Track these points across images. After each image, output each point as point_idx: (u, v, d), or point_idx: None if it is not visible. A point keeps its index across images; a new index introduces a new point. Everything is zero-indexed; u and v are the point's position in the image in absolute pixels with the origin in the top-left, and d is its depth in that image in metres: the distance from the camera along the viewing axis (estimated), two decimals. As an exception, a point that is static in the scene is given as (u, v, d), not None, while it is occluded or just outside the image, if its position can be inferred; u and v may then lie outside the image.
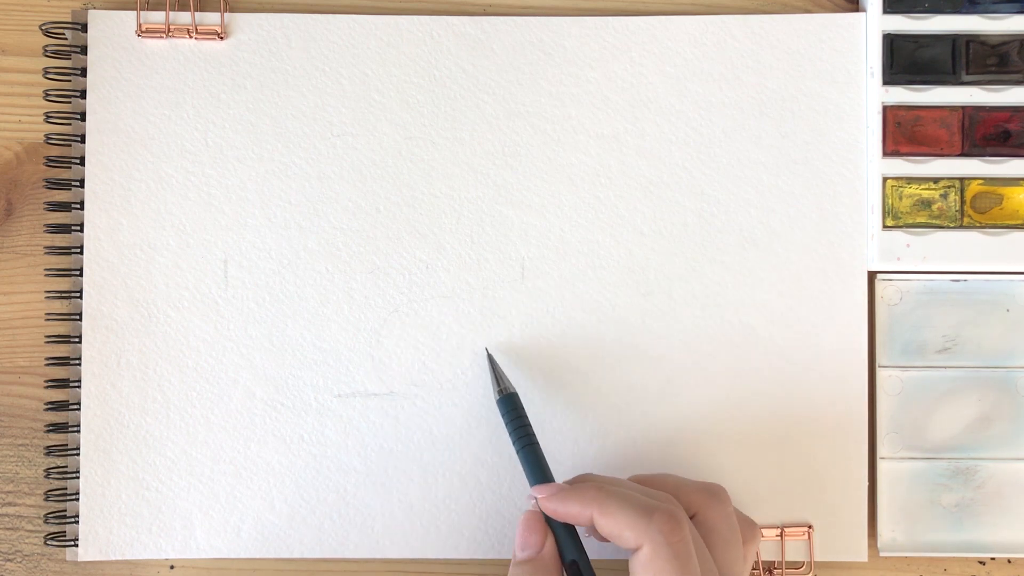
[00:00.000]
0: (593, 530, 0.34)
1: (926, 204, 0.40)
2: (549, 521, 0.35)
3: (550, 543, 0.35)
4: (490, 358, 0.39)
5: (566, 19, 0.41)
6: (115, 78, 0.40)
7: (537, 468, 0.36)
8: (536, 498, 0.35)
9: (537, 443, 0.36)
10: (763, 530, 0.40)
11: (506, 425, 0.37)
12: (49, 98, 0.40)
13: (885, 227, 0.40)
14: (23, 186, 0.41)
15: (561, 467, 0.40)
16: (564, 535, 0.35)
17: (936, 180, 0.40)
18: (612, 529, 0.33)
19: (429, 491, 0.40)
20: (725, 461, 0.40)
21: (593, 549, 0.36)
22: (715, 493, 0.36)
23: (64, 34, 0.41)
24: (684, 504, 0.35)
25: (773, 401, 0.40)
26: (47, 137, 0.40)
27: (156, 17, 0.40)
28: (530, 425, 0.37)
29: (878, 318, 0.40)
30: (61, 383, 0.40)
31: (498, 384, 0.38)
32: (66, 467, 0.40)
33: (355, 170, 0.40)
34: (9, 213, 0.41)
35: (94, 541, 0.39)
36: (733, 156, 0.40)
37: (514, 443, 0.36)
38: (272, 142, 0.40)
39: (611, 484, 0.34)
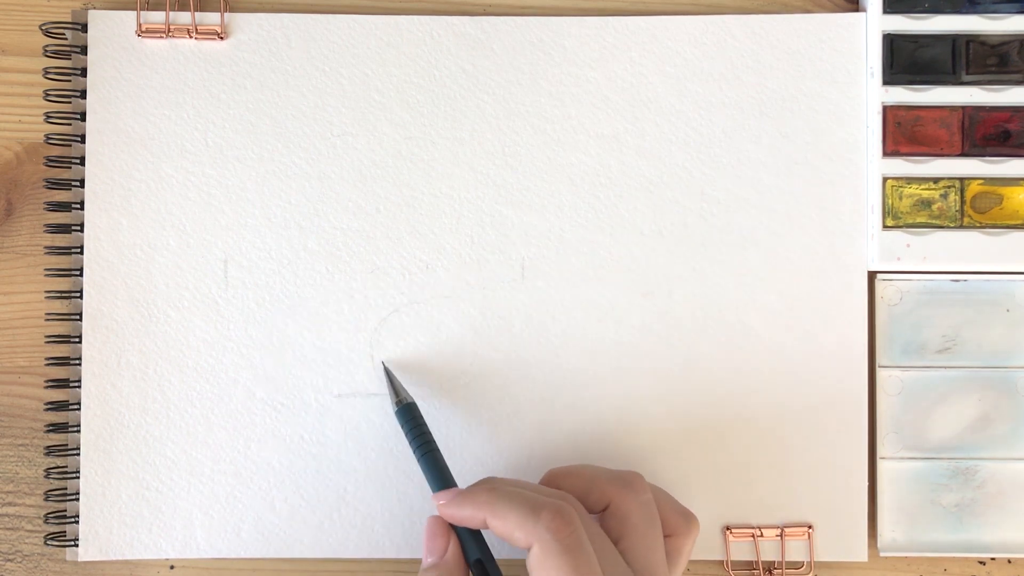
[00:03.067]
0: None
1: (926, 204, 0.40)
2: (455, 526, 0.35)
3: (454, 546, 0.35)
4: (386, 370, 0.39)
5: (566, 19, 0.41)
6: (115, 78, 0.40)
7: (437, 474, 0.36)
8: (437, 505, 0.35)
9: (437, 450, 0.37)
10: (763, 530, 0.40)
11: (406, 435, 0.37)
12: (49, 98, 0.40)
13: (885, 227, 0.40)
14: (23, 186, 0.41)
15: (560, 463, 0.39)
16: (467, 536, 0.35)
17: (936, 180, 0.40)
18: (503, 530, 0.33)
19: (429, 491, 0.40)
20: (725, 461, 0.40)
21: (507, 548, 0.37)
22: (628, 482, 0.35)
23: (64, 34, 0.41)
24: (597, 495, 0.35)
25: (773, 401, 0.40)
26: (47, 137, 0.40)
27: (156, 17, 0.40)
28: (429, 433, 0.37)
29: (878, 318, 0.40)
30: (61, 383, 0.40)
31: (396, 395, 0.38)
32: (66, 467, 0.40)
33: (355, 170, 0.40)
34: (9, 213, 0.41)
35: (94, 541, 0.39)
36: (733, 156, 0.40)
37: (414, 451, 0.37)
38: (272, 142, 0.40)
39: (507, 485, 0.34)
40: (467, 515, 0.34)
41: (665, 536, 0.36)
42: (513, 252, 0.40)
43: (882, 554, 0.40)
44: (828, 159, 0.40)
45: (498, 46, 0.41)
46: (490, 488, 0.34)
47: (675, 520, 0.36)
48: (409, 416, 0.37)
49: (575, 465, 0.37)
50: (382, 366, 0.40)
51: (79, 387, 0.40)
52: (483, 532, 0.35)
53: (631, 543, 0.34)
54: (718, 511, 0.40)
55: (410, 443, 0.37)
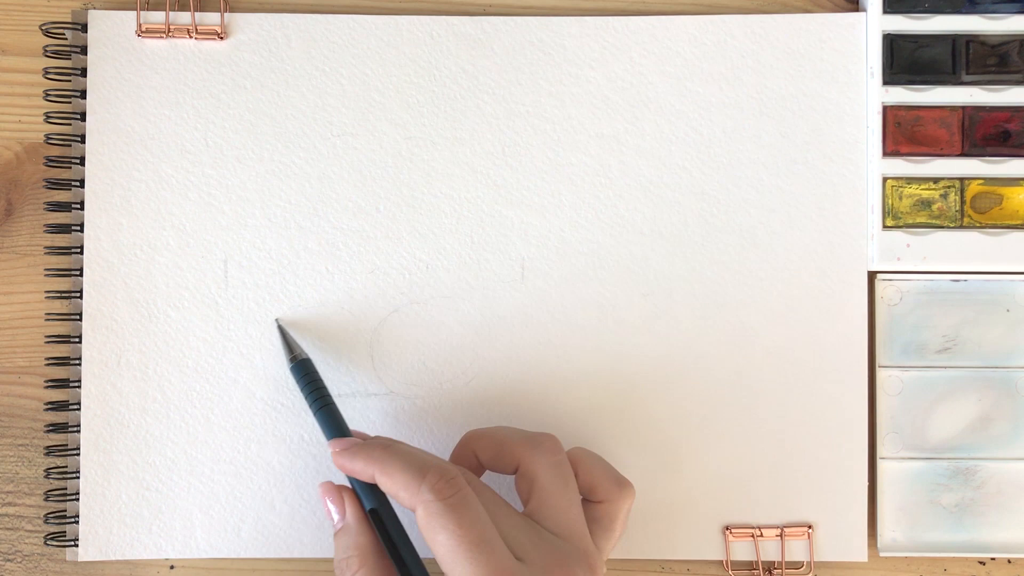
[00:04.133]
0: None
1: (926, 204, 0.40)
2: (350, 480, 0.35)
3: (350, 505, 0.35)
4: (280, 328, 0.39)
5: (566, 19, 0.41)
6: (115, 78, 0.40)
7: (333, 425, 0.36)
8: (331, 452, 0.35)
9: (333, 404, 0.37)
10: (763, 530, 0.40)
11: (301, 390, 0.37)
12: (49, 98, 0.40)
13: (885, 227, 0.40)
14: (23, 186, 0.41)
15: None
16: (362, 488, 0.35)
17: (936, 180, 0.40)
18: (390, 489, 0.33)
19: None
20: (725, 461, 0.40)
21: None
22: (538, 442, 0.35)
23: (64, 34, 0.41)
24: (508, 456, 0.35)
25: (773, 401, 0.40)
26: (47, 137, 0.40)
27: (156, 17, 0.40)
28: (325, 388, 0.37)
29: (878, 318, 0.40)
30: (61, 383, 0.40)
31: (291, 352, 0.38)
32: (66, 467, 0.40)
33: (355, 170, 0.40)
34: (9, 213, 0.41)
35: (94, 541, 0.39)
36: (733, 156, 0.40)
37: (310, 405, 0.37)
38: (272, 142, 0.40)
39: (402, 446, 0.34)
40: (358, 468, 0.34)
41: (597, 502, 0.36)
42: (513, 252, 0.40)
43: (882, 554, 0.40)
44: (828, 159, 0.40)
45: (498, 46, 0.41)
46: (384, 446, 0.34)
47: (607, 486, 0.36)
48: (304, 371, 0.37)
49: (489, 428, 0.37)
50: (276, 324, 0.39)
51: (79, 387, 0.40)
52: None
53: (539, 502, 0.34)
54: (718, 511, 0.40)
55: (305, 397, 0.37)
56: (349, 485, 0.35)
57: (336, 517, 0.35)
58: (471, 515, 0.31)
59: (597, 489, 0.36)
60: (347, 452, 0.34)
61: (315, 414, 0.37)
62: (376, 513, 0.35)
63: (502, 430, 0.37)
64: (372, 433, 0.40)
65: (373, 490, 0.35)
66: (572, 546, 0.33)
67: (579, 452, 0.37)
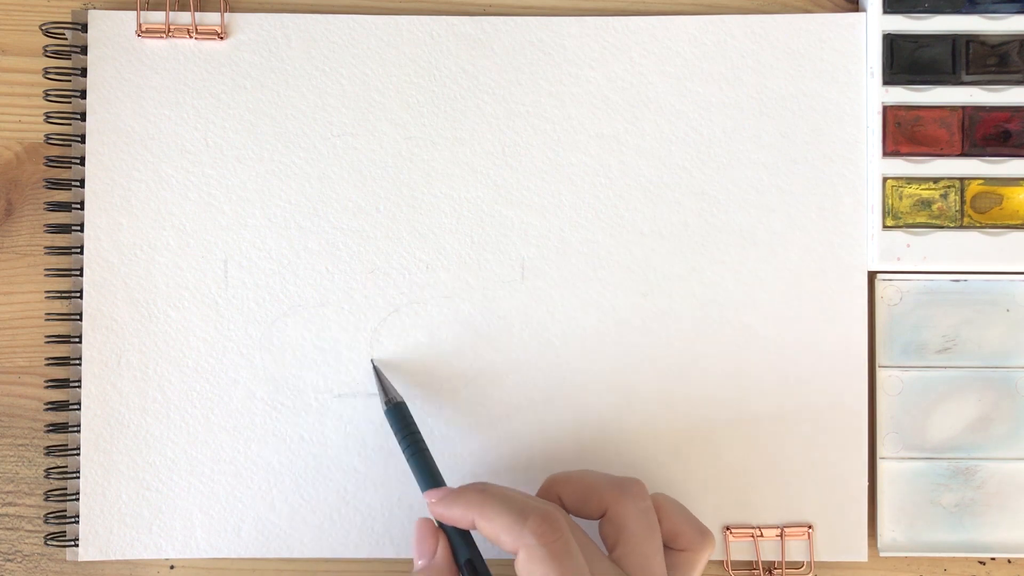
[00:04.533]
0: None
1: (926, 204, 0.40)
2: (443, 526, 0.35)
3: (443, 548, 0.35)
4: (376, 370, 0.39)
5: (566, 19, 0.41)
6: (115, 78, 0.40)
7: (427, 473, 0.36)
8: (427, 503, 0.35)
9: (427, 449, 0.37)
10: (763, 530, 0.40)
11: (395, 434, 0.37)
12: (49, 98, 0.40)
13: (885, 227, 0.40)
14: (23, 186, 0.41)
15: (559, 465, 0.40)
16: (456, 537, 0.35)
17: (936, 180, 0.40)
18: (490, 533, 0.33)
19: (429, 491, 0.40)
20: (725, 461, 0.40)
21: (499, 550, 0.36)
22: (626, 488, 0.35)
23: (64, 34, 0.41)
24: (596, 502, 0.35)
25: (773, 401, 0.40)
26: (47, 137, 0.40)
27: (156, 17, 0.40)
28: (419, 432, 0.37)
29: (878, 318, 0.40)
30: (61, 383, 0.40)
31: (385, 395, 0.38)
32: (66, 467, 0.40)
33: (355, 170, 0.40)
34: (9, 213, 0.41)
35: (94, 541, 0.39)
36: (733, 156, 0.40)
37: (404, 451, 0.37)
38: (272, 142, 0.40)
39: (498, 489, 0.34)
40: (457, 515, 0.34)
41: (680, 550, 0.36)
42: (513, 252, 0.40)
43: (882, 554, 0.40)
44: (828, 159, 0.40)
45: (498, 46, 0.41)
46: (481, 490, 0.34)
47: (690, 535, 0.36)
48: (398, 415, 0.37)
49: (575, 471, 0.37)
50: (371, 365, 0.39)
51: (79, 387, 0.40)
52: (473, 535, 0.35)
53: (627, 550, 0.34)
54: (718, 511, 0.40)
55: (399, 443, 0.37)
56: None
57: (424, 559, 0.35)
58: (571, 562, 0.31)
59: (680, 538, 0.36)
60: (444, 501, 0.34)
61: (409, 461, 0.36)
62: (471, 564, 0.35)
63: (589, 474, 0.36)
64: (372, 433, 0.40)
65: (468, 541, 0.35)
66: None
67: (662, 499, 0.37)
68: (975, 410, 0.40)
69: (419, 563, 0.35)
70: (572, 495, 0.36)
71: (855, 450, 0.40)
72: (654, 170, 0.40)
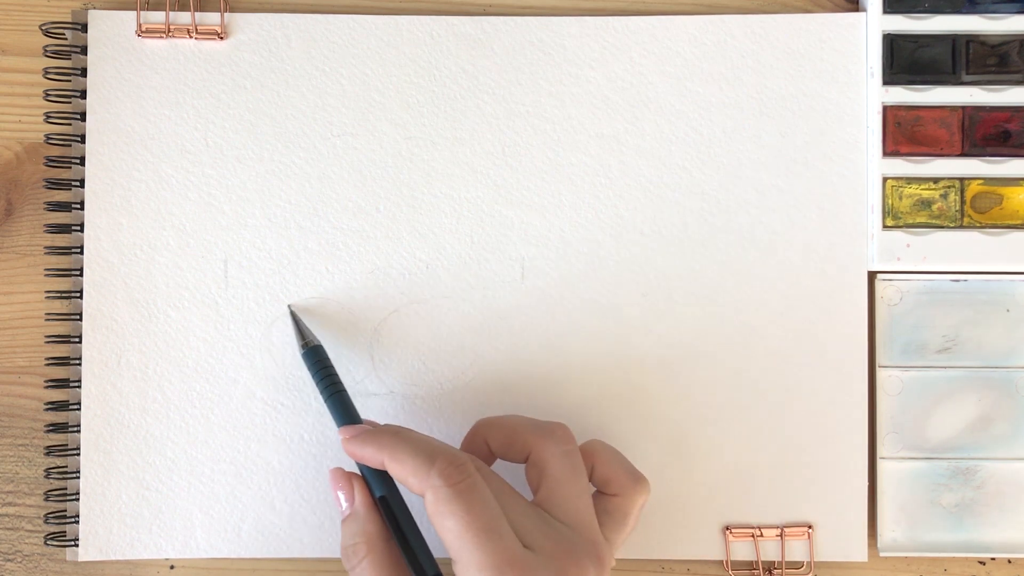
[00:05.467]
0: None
1: (926, 204, 0.40)
2: (360, 467, 0.35)
3: (360, 490, 0.35)
4: (293, 315, 0.39)
5: (566, 19, 0.41)
6: (115, 78, 0.40)
7: (344, 412, 0.36)
8: (341, 439, 0.35)
9: (344, 391, 0.37)
10: (763, 530, 0.40)
11: (312, 376, 0.37)
12: (49, 98, 0.40)
13: (885, 227, 0.40)
14: (23, 186, 0.41)
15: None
16: (371, 475, 0.35)
17: (936, 180, 0.40)
18: (399, 475, 0.33)
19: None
20: (725, 460, 0.40)
21: None
22: (549, 431, 0.35)
23: (64, 34, 0.41)
24: (519, 445, 0.35)
25: (773, 401, 0.40)
26: (47, 137, 0.40)
27: (156, 17, 0.40)
28: (336, 375, 0.37)
29: (878, 318, 0.40)
30: (61, 383, 0.40)
31: (303, 338, 0.38)
32: (66, 467, 0.40)
33: (355, 170, 0.40)
34: (9, 213, 0.41)
35: (94, 541, 0.39)
36: (733, 156, 0.40)
37: (321, 392, 0.37)
38: (272, 142, 0.40)
39: (411, 433, 0.34)
40: (368, 454, 0.34)
41: (611, 495, 0.36)
42: (513, 252, 0.40)
43: (882, 554, 0.40)
44: (828, 159, 0.40)
45: (498, 46, 0.41)
46: (394, 432, 0.34)
47: (623, 480, 0.36)
48: (316, 358, 0.38)
49: (502, 416, 0.37)
50: (288, 310, 0.39)
51: (79, 387, 0.40)
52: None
53: (548, 491, 0.34)
54: (718, 511, 0.40)
55: (316, 384, 0.37)
56: (359, 473, 0.36)
57: (344, 504, 0.35)
58: (480, 502, 0.31)
59: (612, 482, 0.36)
60: (357, 439, 0.34)
61: (326, 401, 0.37)
62: (385, 500, 0.35)
63: (513, 418, 0.37)
64: (372, 433, 0.40)
65: (383, 477, 0.35)
66: (580, 536, 0.33)
67: (596, 444, 0.37)
68: (975, 410, 0.40)
69: (343, 514, 0.35)
70: (497, 439, 0.36)
71: (855, 450, 0.40)
72: (654, 170, 0.40)
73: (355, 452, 0.35)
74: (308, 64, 0.40)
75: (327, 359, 0.38)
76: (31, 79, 0.41)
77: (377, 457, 0.34)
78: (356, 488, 0.35)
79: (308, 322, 0.39)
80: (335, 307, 0.40)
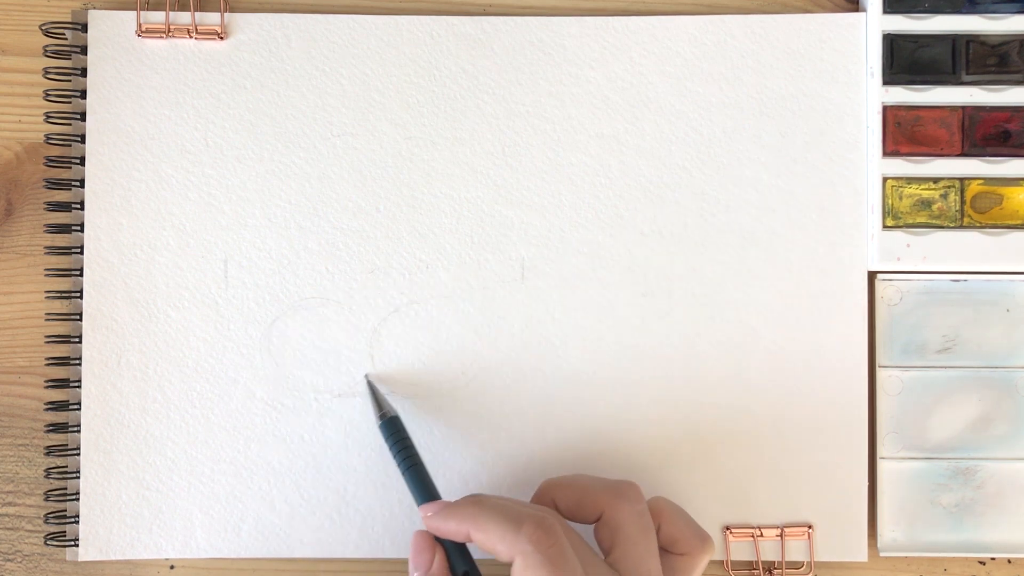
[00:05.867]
0: None
1: (926, 204, 0.40)
2: (440, 539, 0.35)
3: (439, 560, 0.35)
4: (369, 384, 0.39)
5: (566, 19, 0.41)
6: (115, 78, 0.40)
7: (423, 487, 0.36)
8: (423, 517, 0.35)
9: (421, 463, 0.36)
10: (763, 530, 0.40)
11: (390, 448, 0.37)
12: (49, 98, 0.40)
13: (885, 227, 0.40)
14: (23, 186, 0.41)
15: (558, 464, 0.40)
16: (453, 549, 0.35)
17: (936, 180, 0.40)
18: (486, 544, 0.33)
19: (429, 491, 0.40)
20: (725, 461, 0.40)
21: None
22: (621, 492, 0.35)
23: (64, 34, 0.41)
24: (591, 505, 0.35)
25: (773, 401, 0.40)
26: (47, 137, 0.40)
27: (156, 17, 0.40)
28: (413, 446, 0.37)
29: (878, 318, 0.40)
30: (61, 383, 0.40)
31: (379, 409, 0.38)
32: (66, 467, 0.40)
33: (355, 170, 0.40)
34: (9, 213, 0.41)
35: (94, 541, 0.39)
36: (733, 156, 0.40)
37: (399, 465, 0.37)
38: (272, 142, 0.40)
39: (492, 500, 0.34)
40: (452, 528, 0.34)
41: (679, 555, 0.36)
42: (513, 252, 0.40)
43: (882, 554, 0.40)
44: (828, 159, 0.40)
45: (498, 46, 0.41)
46: (475, 502, 0.34)
47: (690, 540, 0.36)
48: (393, 430, 0.37)
49: (569, 475, 0.37)
50: (366, 380, 0.39)
51: (79, 387, 0.40)
52: (471, 547, 0.35)
53: (622, 552, 0.34)
54: (718, 511, 0.40)
55: (394, 457, 0.37)
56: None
57: (420, 571, 0.35)
58: (568, 567, 0.31)
59: (680, 542, 0.36)
60: (439, 515, 0.34)
61: (404, 474, 0.36)
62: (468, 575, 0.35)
63: (583, 478, 0.37)
64: (372, 433, 0.40)
65: (464, 554, 0.35)
66: None
67: (662, 503, 0.37)
68: (975, 410, 0.40)
69: (415, 574, 0.35)
70: (567, 499, 0.36)
71: (855, 450, 0.40)
72: (654, 170, 0.40)
73: (439, 528, 0.34)
74: (308, 64, 0.40)
75: (404, 430, 0.37)
76: (31, 79, 0.41)
77: (462, 529, 0.33)
78: (438, 557, 0.35)
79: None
80: (335, 307, 0.40)
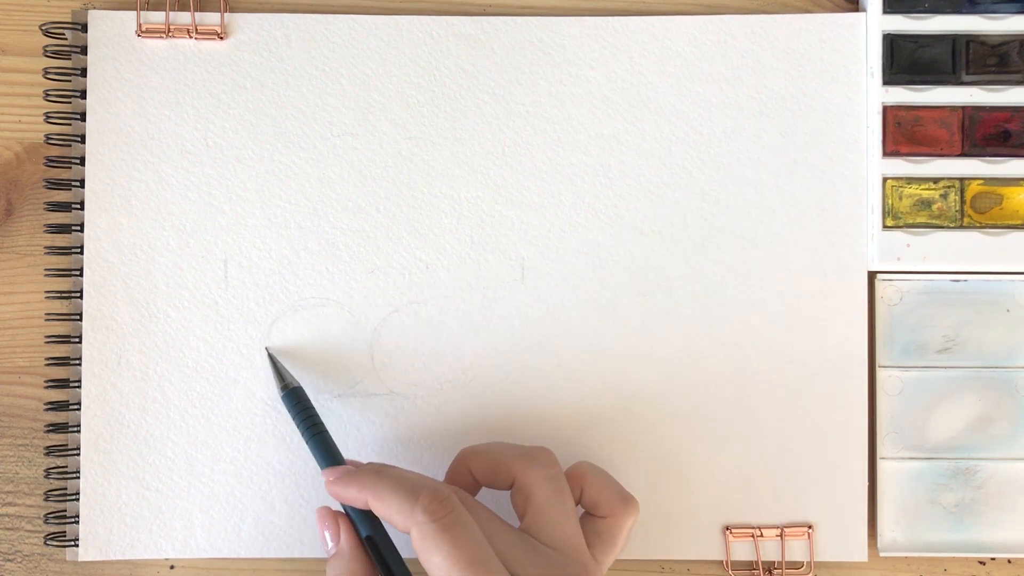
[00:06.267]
0: None
1: (926, 204, 0.40)
2: (345, 507, 0.35)
3: (345, 529, 0.35)
4: (271, 357, 0.39)
5: (566, 19, 0.41)
6: (115, 78, 0.40)
7: (327, 453, 0.36)
8: (324, 481, 0.35)
9: (326, 431, 0.37)
10: (763, 530, 0.40)
11: (293, 418, 0.37)
12: (49, 98, 0.40)
13: (885, 227, 0.40)
14: (23, 186, 0.41)
15: (560, 462, 0.40)
16: (357, 515, 0.35)
17: (936, 180, 0.40)
18: (384, 514, 0.33)
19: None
20: (725, 461, 0.40)
21: None
22: (532, 456, 0.35)
23: (64, 34, 0.41)
24: (503, 472, 0.35)
25: (773, 401, 0.40)
26: (47, 137, 0.40)
27: (156, 17, 0.40)
28: (317, 415, 0.37)
29: (878, 318, 0.40)
30: (61, 383, 0.40)
31: (282, 380, 0.38)
32: (66, 467, 0.40)
33: (355, 170, 0.40)
34: (9, 213, 0.41)
35: (94, 541, 0.39)
36: (733, 156, 0.40)
37: (303, 433, 0.37)
38: (272, 142, 0.40)
39: (393, 470, 0.34)
40: (352, 495, 0.34)
41: (600, 517, 0.36)
42: (513, 252, 0.40)
43: (882, 554, 0.40)
44: (828, 159, 0.40)
45: (498, 46, 0.41)
46: (376, 471, 0.34)
47: (612, 501, 0.36)
48: (296, 399, 0.38)
49: (484, 443, 0.37)
50: (266, 352, 0.40)
51: (79, 387, 0.40)
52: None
53: (535, 516, 0.34)
54: (718, 511, 0.40)
55: (298, 425, 0.37)
56: (344, 512, 0.36)
57: (330, 543, 0.35)
58: (465, 535, 0.31)
59: (602, 504, 0.36)
60: (340, 480, 0.35)
61: (308, 442, 0.37)
62: (372, 540, 0.35)
63: (496, 446, 0.37)
64: (372, 433, 0.40)
65: (368, 517, 0.35)
66: (569, 559, 0.33)
67: (584, 466, 0.37)
68: (975, 410, 0.40)
69: (329, 547, 0.35)
70: (481, 467, 0.36)
71: (855, 450, 0.40)
72: (654, 170, 0.40)
73: (339, 493, 0.35)
74: (308, 64, 0.40)
75: (307, 400, 0.38)
76: (31, 79, 0.41)
77: (361, 497, 0.34)
78: (342, 527, 0.35)
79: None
80: (335, 307, 0.40)
